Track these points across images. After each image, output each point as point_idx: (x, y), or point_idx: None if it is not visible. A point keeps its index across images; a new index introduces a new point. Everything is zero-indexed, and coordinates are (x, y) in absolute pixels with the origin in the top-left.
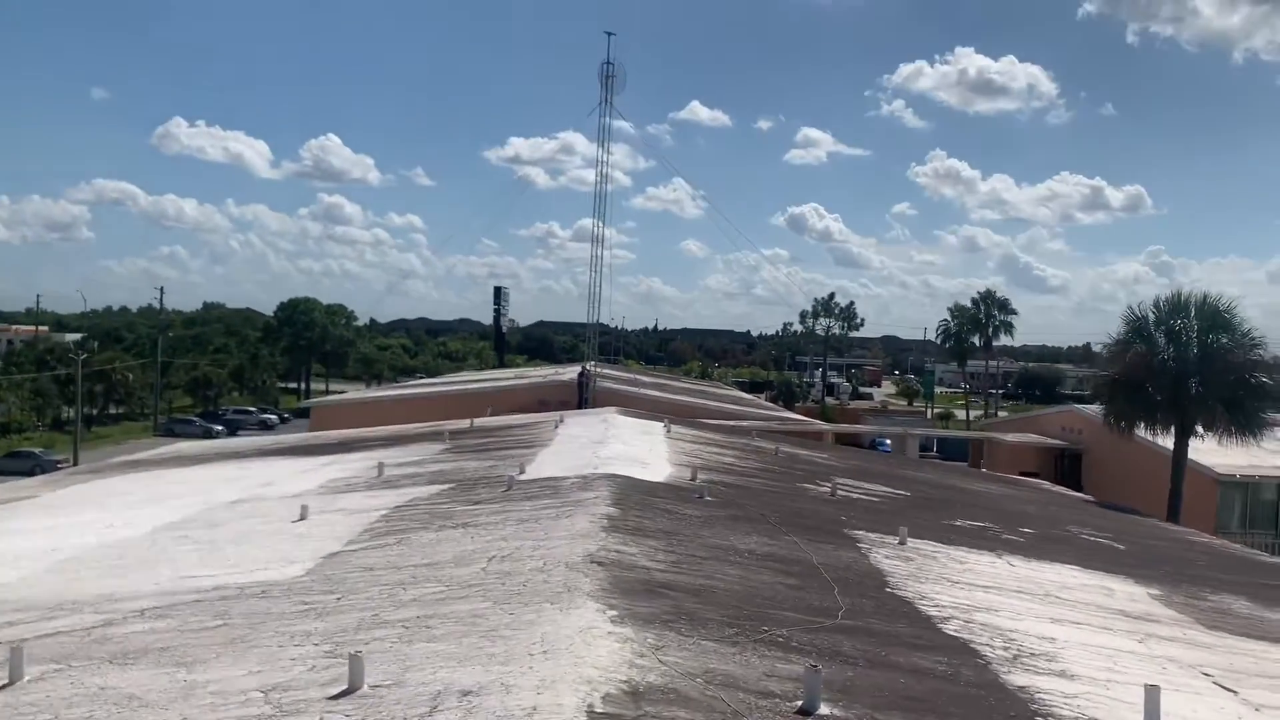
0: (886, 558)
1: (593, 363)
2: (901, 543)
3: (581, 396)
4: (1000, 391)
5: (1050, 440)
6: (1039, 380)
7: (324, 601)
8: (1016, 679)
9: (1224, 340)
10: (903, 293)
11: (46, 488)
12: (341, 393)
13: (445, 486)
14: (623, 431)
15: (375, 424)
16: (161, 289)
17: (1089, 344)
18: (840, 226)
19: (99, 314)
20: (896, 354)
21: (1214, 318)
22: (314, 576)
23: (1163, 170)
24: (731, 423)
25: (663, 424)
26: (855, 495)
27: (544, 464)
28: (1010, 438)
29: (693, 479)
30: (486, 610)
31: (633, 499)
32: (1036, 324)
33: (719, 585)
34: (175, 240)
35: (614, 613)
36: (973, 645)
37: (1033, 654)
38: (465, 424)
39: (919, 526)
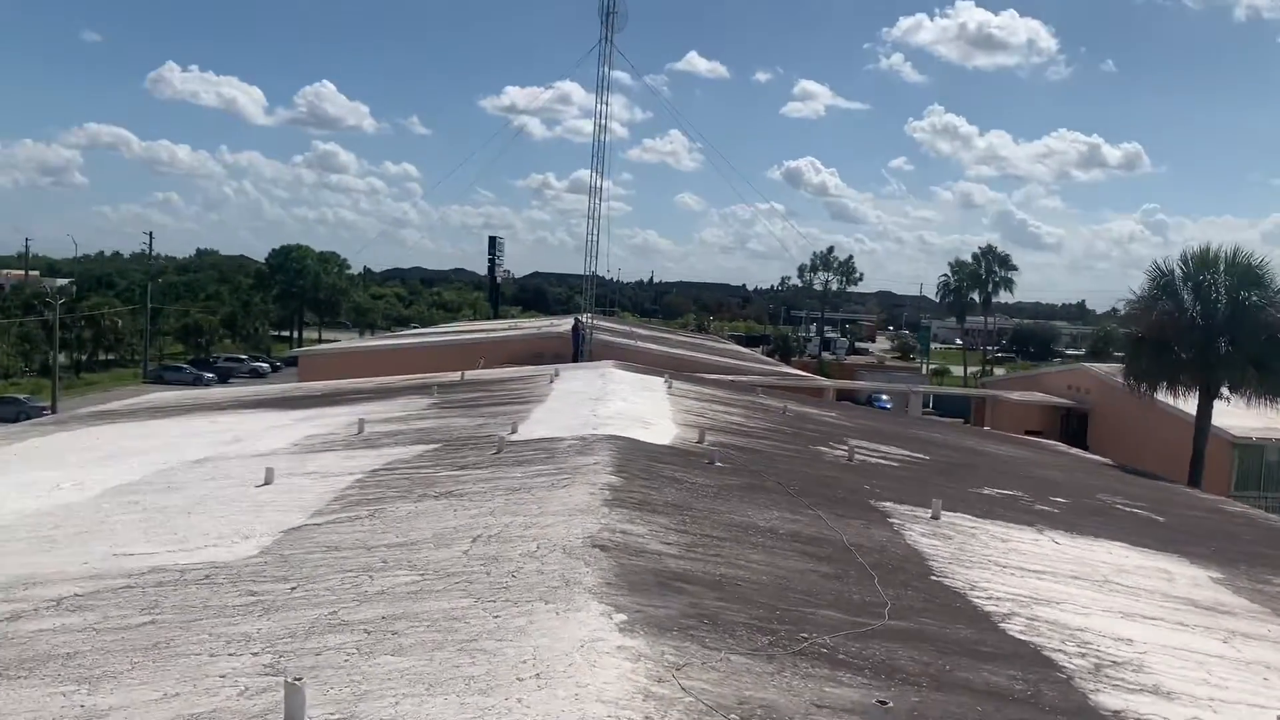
0: (923, 536)
1: (588, 315)
2: (935, 517)
3: (577, 349)
4: (995, 349)
5: (1056, 399)
6: (1033, 337)
7: (274, 592)
8: (1108, 700)
9: (1254, 297)
10: (898, 248)
11: (2, 440)
12: (335, 341)
13: (429, 447)
14: (622, 387)
15: (364, 374)
16: (150, 234)
17: (1083, 301)
18: (837, 181)
19: (91, 259)
20: (891, 310)
21: (1245, 274)
22: (268, 557)
23: (1161, 128)
24: (733, 378)
25: (663, 379)
26: (873, 460)
27: (538, 423)
28: (1015, 396)
29: (700, 441)
30: (467, 609)
31: (636, 465)
32: (1031, 281)
33: (743, 575)
34: (169, 186)
35: (622, 616)
36: (1045, 652)
37: (1115, 662)
38: (455, 376)
39: (949, 497)
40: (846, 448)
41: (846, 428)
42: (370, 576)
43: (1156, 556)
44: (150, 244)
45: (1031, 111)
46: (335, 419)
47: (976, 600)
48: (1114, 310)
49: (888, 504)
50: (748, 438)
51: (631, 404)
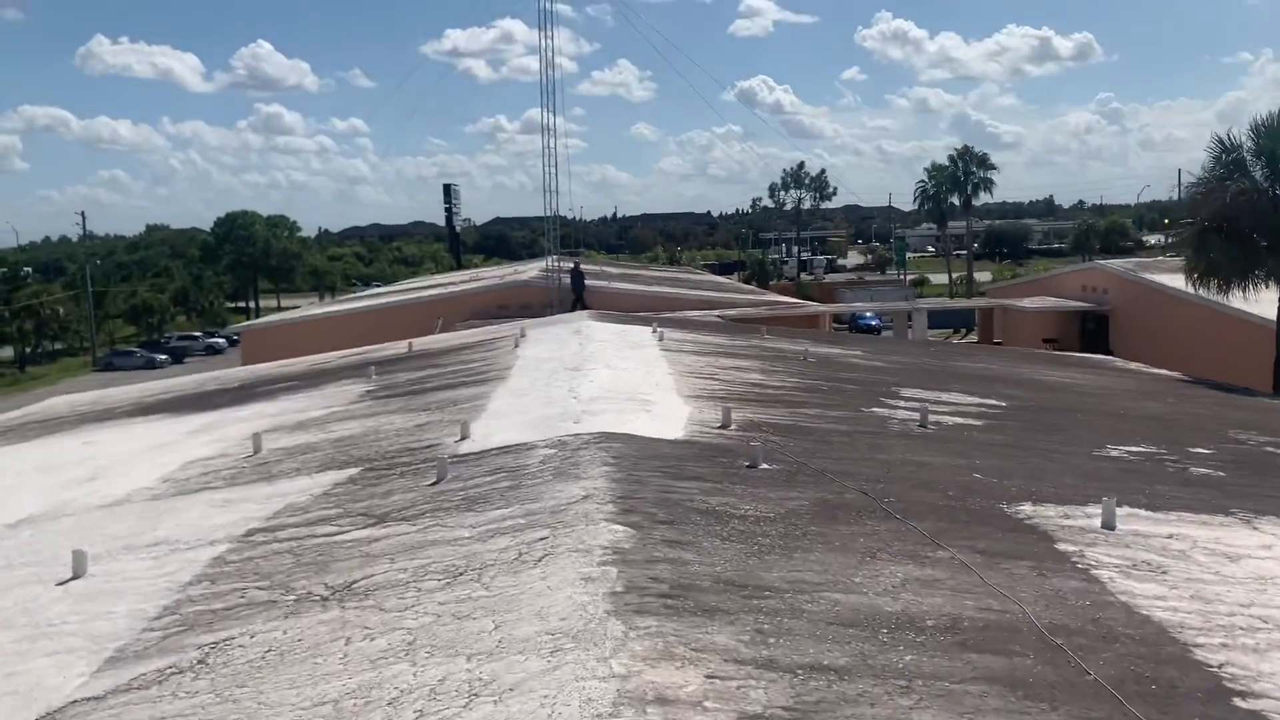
0: (1124, 573)
1: (554, 257)
2: (1109, 525)
3: (578, 296)
4: (965, 253)
5: (1071, 302)
6: (1005, 237)
7: None
8: None
9: None
10: (858, 160)
11: None
12: (294, 308)
13: (343, 476)
14: (604, 347)
15: (310, 347)
16: (83, 214)
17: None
18: (791, 98)
19: (39, 246)
20: (859, 223)
21: None
22: None
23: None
24: (721, 313)
25: (652, 331)
26: (949, 420)
27: (498, 417)
28: (1027, 303)
29: (725, 426)
30: None
31: (649, 493)
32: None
33: None
34: (114, 164)
35: None
36: None
37: None
38: (402, 347)
39: (1085, 476)
40: (907, 405)
41: (884, 370)
42: None
43: None
44: (84, 224)
45: (980, 9)
46: (239, 426)
47: None
48: (1081, 203)
49: (1027, 506)
50: (781, 407)
51: (620, 371)
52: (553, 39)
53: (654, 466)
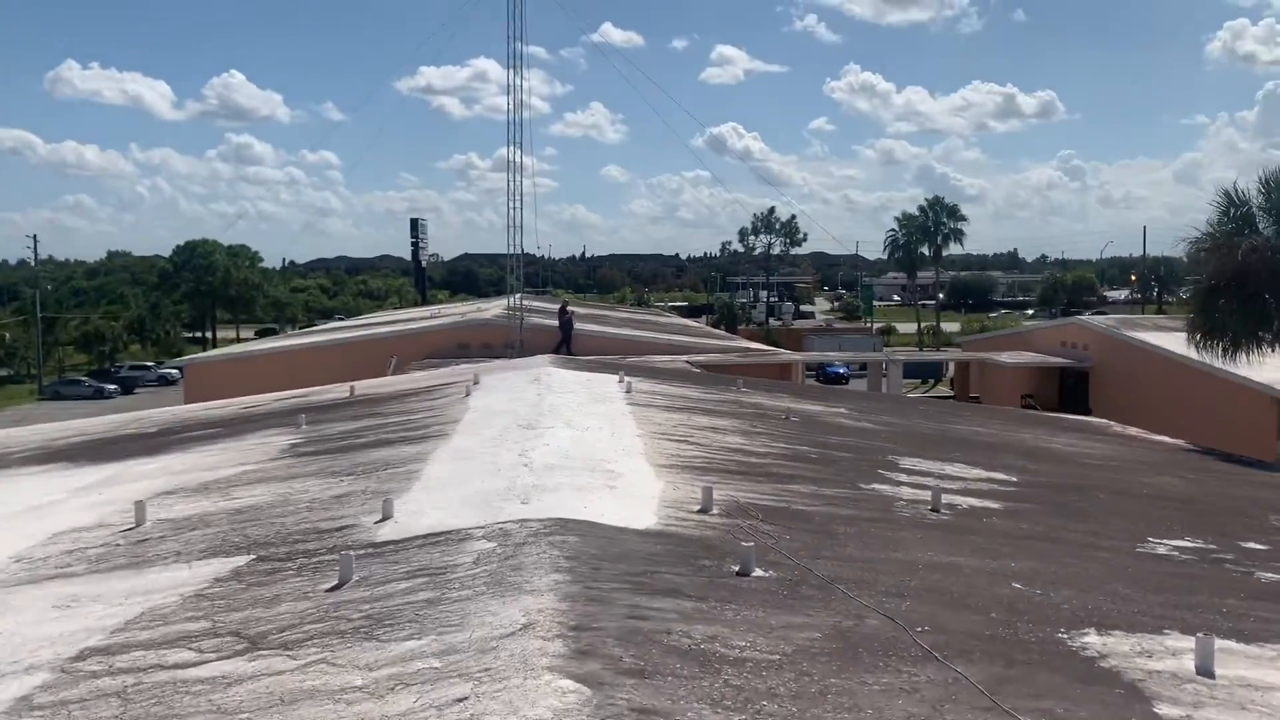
0: None
1: (519, 295)
2: (1207, 672)
3: (565, 340)
4: (932, 303)
5: (1050, 358)
6: (971, 289)
7: None
8: None
9: None
10: (825, 209)
11: None
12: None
13: (228, 567)
14: (565, 400)
15: (255, 384)
16: (35, 237)
17: (1015, 250)
18: (760, 145)
19: None
20: (825, 270)
21: None
22: None
23: (1073, 75)
24: (694, 360)
25: (618, 380)
26: (962, 503)
27: (433, 488)
28: (1006, 358)
29: (705, 509)
30: None
31: (613, 616)
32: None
33: None
34: (80, 188)
35: None
36: None
37: None
38: (345, 391)
39: (1134, 580)
40: (911, 480)
41: (875, 434)
42: None
43: None
44: (35, 247)
45: (946, 66)
46: (137, 486)
47: None
48: (1044, 257)
49: (1092, 636)
50: (768, 481)
51: (581, 431)
52: (523, 77)
53: (619, 573)
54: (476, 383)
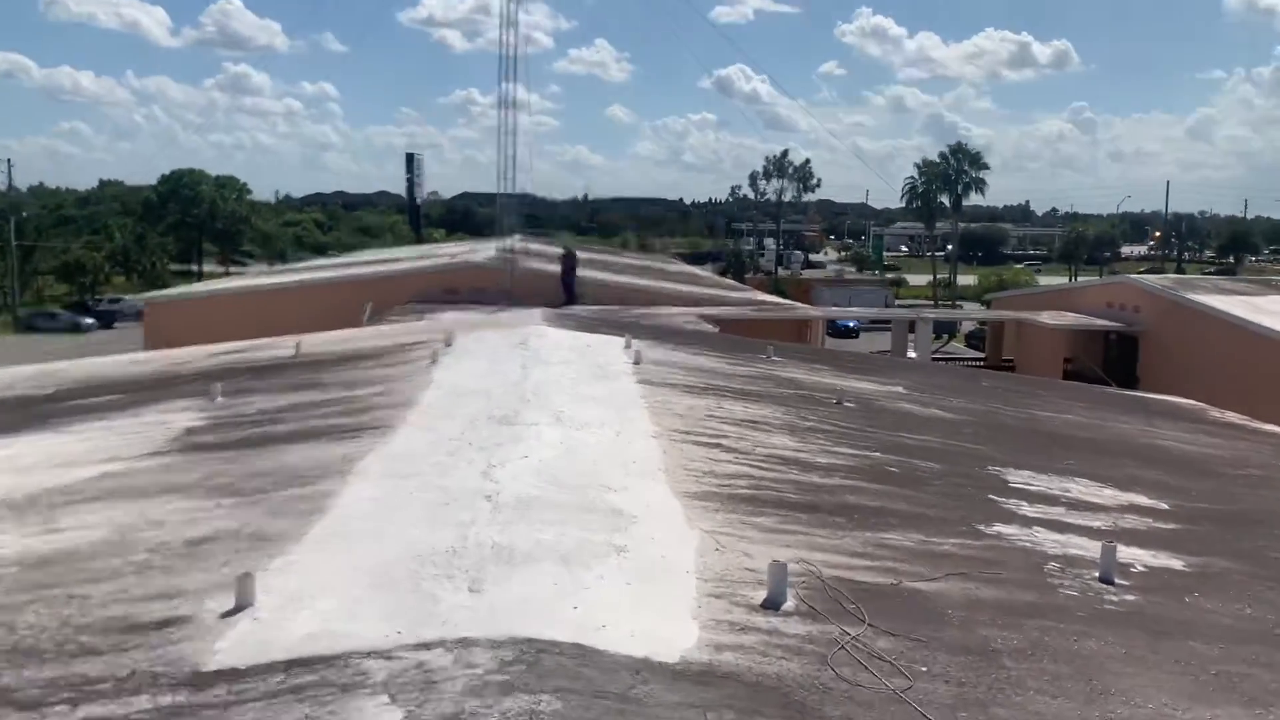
0: None
1: (517, 236)
2: None
3: (570, 291)
4: (941, 254)
5: (1096, 320)
6: (980, 241)
7: None
8: None
9: None
10: (832, 156)
11: None
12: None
13: None
14: (557, 373)
15: (219, 327)
16: (9, 161)
17: (1027, 202)
18: (768, 89)
19: None
20: (832, 218)
21: None
22: None
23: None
24: (706, 313)
25: (624, 345)
26: (1131, 559)
27: (335, 539)
28: (1047, 318)
29: (774, 603)
30: None
31: None
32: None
33: None
34: (74, 115)
35: None
36: None
37: None
38: (289, 348)
39: None
40: (1041, 516)
41: (954, 428)
42: None
43: None
44: (9, 172)
45: (960, 11)
46: None
47: None
48: (1054, 210)
49: None
50: (849, 521)
51: (577, 430)
52: (518, 4)
53: None
54: (449, 345)
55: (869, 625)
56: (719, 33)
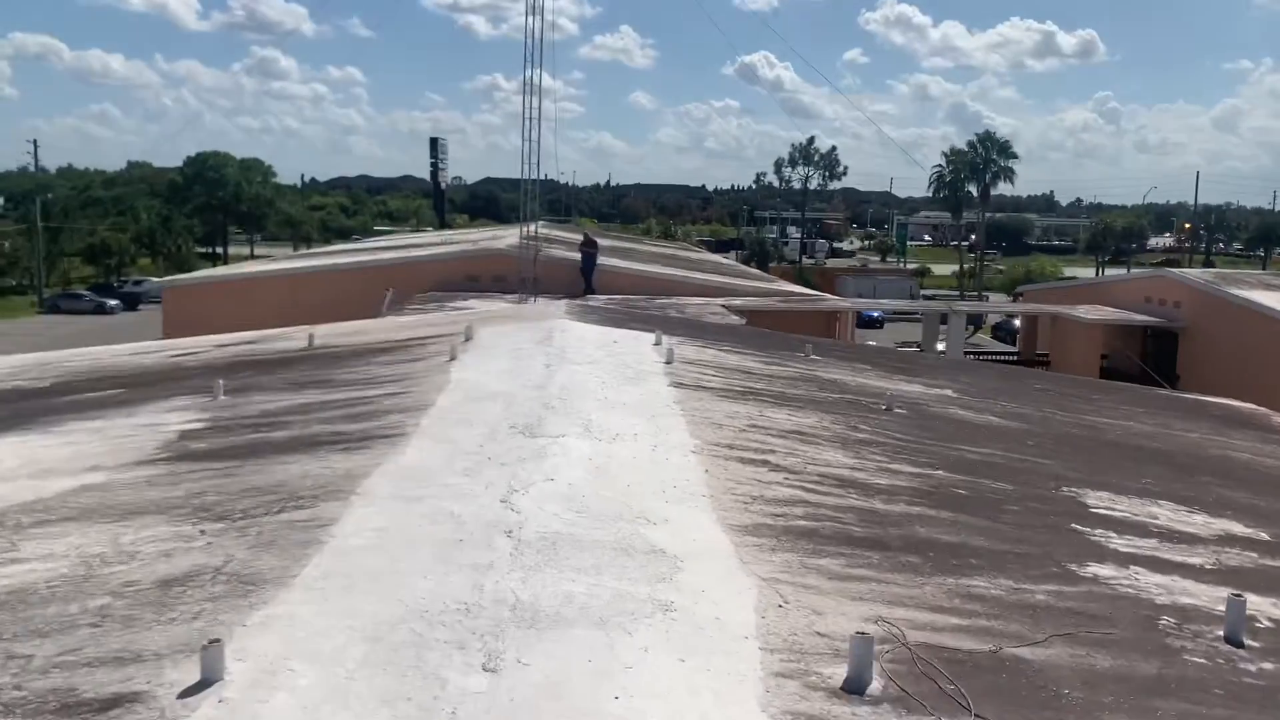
0: None
1: (539, 223)
2: None
3: (588, 281)
4: (965, 244)
5: (1135, 315)
6: (1005, 231)
7: None
8: None
9: None
10: (855, 144)
11: None
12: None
13: None
14: (584, 373)
15: (237, 313)
16: (35, 142)
17: (1051, 192)
18: (792, 76)
19: (15, 175)
20: (855, 207)
21: None
22: None
23: (1115, 13)
24: (732, 304)
25: (654, 344)
26: (1259, 615)
27: (328, 581)
28: (1083, 312)
29: (856, 685)
30: None
31: None
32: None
33: None
34: (104, 97)
35: None
36: None
37: None
38: (300, 340)
39: None
40: (1135, 550)
41: (1016, 438)
42: None
43: None
44: (35, 153)
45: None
46: None
47: None
48: (1078, 201)
49: None
50: (925, 563)
51: (608, 443)
52: None
53: None
54: (468, 339)
55: (976, 718)
56: (758, 20)
